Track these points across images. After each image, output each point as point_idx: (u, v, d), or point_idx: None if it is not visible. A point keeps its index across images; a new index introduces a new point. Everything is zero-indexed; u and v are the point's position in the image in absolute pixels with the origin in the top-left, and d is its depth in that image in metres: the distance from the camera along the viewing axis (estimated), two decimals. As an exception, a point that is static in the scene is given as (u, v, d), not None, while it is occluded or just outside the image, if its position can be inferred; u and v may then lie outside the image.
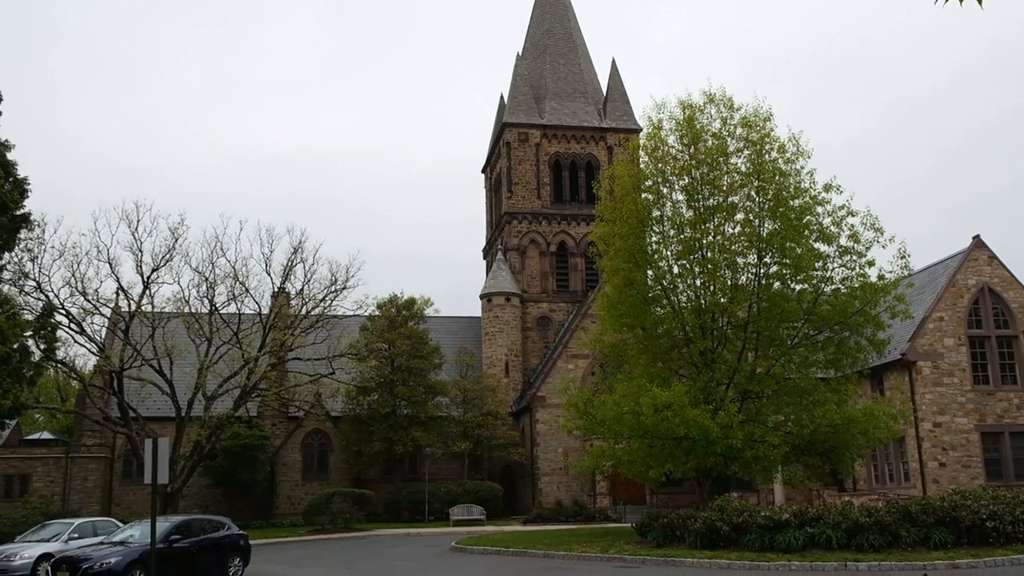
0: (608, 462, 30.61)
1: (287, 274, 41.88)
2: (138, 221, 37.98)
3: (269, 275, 41.86)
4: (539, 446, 46.34)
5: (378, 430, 44.80)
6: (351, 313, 43.91)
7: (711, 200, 29.14)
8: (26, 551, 24.03)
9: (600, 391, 31.74)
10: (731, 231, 29.22)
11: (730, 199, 29.12)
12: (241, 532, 23.10)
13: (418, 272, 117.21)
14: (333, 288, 41.88)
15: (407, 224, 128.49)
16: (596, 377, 42.47)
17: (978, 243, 38.18)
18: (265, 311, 41.46)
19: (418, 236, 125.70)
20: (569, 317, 52.86)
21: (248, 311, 41.21)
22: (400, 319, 46.95)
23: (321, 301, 42.03)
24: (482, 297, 53.25)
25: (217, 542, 21.64)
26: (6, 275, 32.46)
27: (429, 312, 48.97)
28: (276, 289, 42.35)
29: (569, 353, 47.51)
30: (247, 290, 40.77)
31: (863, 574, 18.74)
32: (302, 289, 42.19)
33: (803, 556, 20.57)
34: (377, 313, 46.71)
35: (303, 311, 42.09)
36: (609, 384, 31.67)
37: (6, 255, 29.47)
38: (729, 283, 28.86)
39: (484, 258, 62.87)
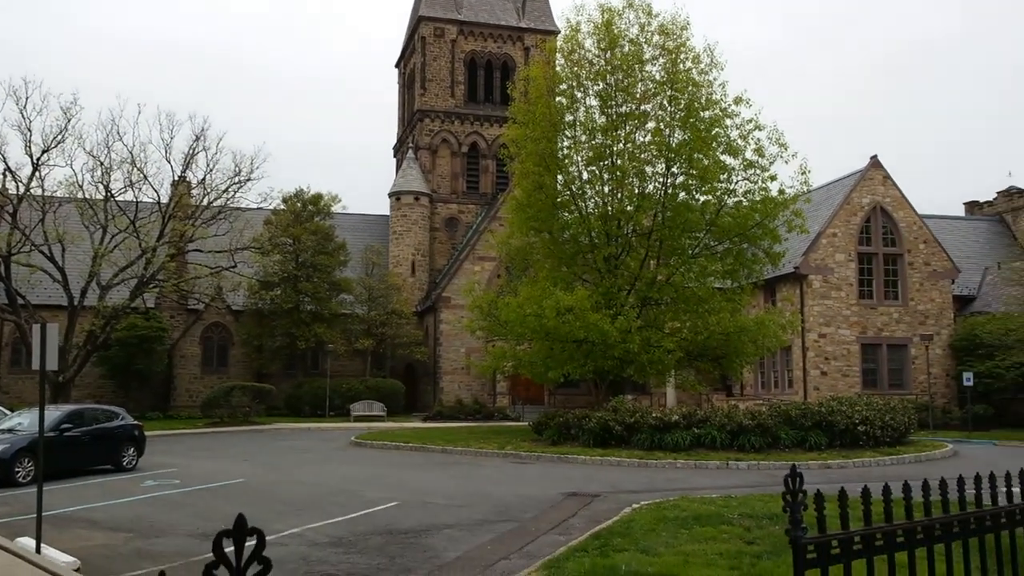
0: (509, 363, 31.20)
1: (188, 162, 40.29)
2: (27, 98, 35.77)
3: (169, 162, 40.27)
4: (442, 346, 46.82)
5: (280, 325, 44.42)
6: (255, 206, 42.82)
7: (624, 107, 29.20)
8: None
9: (505, 293, 32.08)
10: (642, 139, 29.45)
11: (643, 107, 29.24)
12: (136, 423, 22.80)
13: (327, 169, 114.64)
14: (237, 179, 40.56)
15: (317, 120, 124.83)
16: (501, 280, 42.84)
17: (875, 163, 39.53)
18: (164, 200, 39.99)
19: (329, 133, 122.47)
20: (478, 219, 52.83)
21: (147, 199, 39.64)
22: (306, 214, 46.11)
23: (224, 192, 40.71)
24: (391, 195, 52.60)
25: (110, 432, 21.34)
26: None
27: (336, 209, 48.23)
28: (176, 177, 40.78)
29: (476, 255, 47.66)
30: (145, 177, 39.16)
31: (742, 472, 19.85)
32: (204, 178, 40.76)
33: (689, 455, 21.62)
34: (282, 207, 45.70)
35: (204, 201, 40.76)
36: (514, 287, 32.03)
37: None
38: (636, 191, 29.23)
39: (394, 156, 61.85)
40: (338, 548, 11.18)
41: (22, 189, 36.53)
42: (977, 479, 4.07)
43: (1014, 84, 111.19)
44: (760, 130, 28.08)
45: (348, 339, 45.06)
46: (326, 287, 45.28)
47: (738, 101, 28.28)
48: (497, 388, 44.85)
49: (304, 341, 44.00)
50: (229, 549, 2.44)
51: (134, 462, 21.54)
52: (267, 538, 2.50)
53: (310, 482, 18.66)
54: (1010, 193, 53.71)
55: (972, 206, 57.28)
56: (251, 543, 2.44)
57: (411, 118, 56.23)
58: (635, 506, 13.50)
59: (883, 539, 3.44)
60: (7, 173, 36.61)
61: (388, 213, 53.18)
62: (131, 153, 38.85)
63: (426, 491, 16.90)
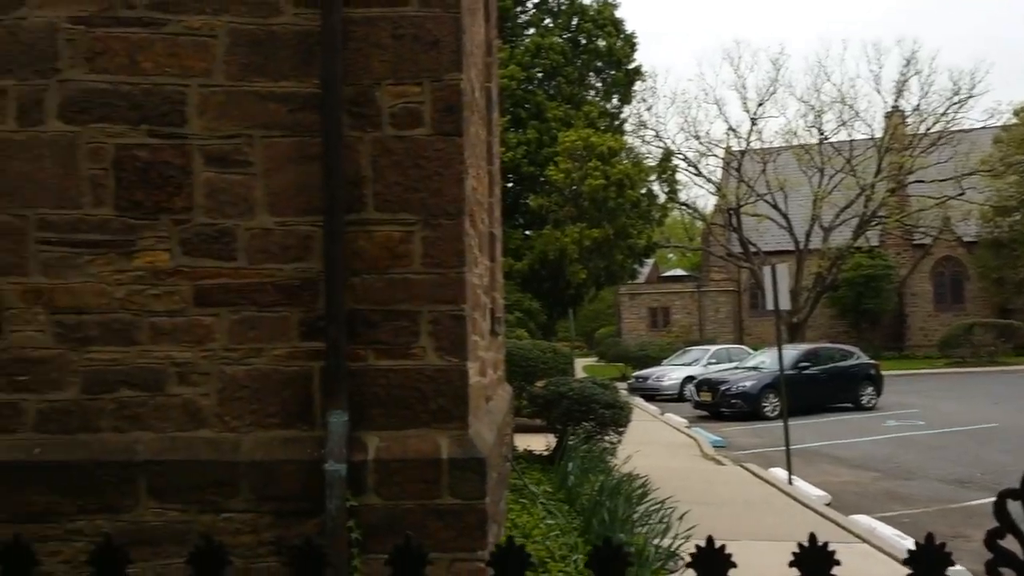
0: None
1: (900, 90, 38.70)
2: (739, 58, 38.93)
3: (879, 94, 39.50)
4: None
5: (1023, 255, 39.39)
6: (979, 125, 38.92)
7: None
8: (673, 373, 26.94)
9: None
10: None
11: None
12: (871, 362, 22.49)
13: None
14: (955, 99, 37.54)
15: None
16: None
17: None
18: (878, 134, 38.99)
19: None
20: None
21: (859, 136, 39.20)
22: None
23: (942, 115, 38.02)
24: None
25: (846, 370, 21.38)
26: (627, 127, 35.44)
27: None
28: (889, 109, 39.54)
29: None
30: (856, 113, 38.97)
31: None
32: (918, 105, 38.71)
33: None
34: (1014, 121, 40.48)
35: (921, 129, 38.57)
36: None
37: (625, 108, 32.04)
38: None
39: None
40: None
41: (743, 144, 39.23)
42: None
43: None
44: None
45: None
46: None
47: None
48: None
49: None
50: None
51: (873, 401, 21.10)
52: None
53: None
54: None
55: None
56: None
57: None
58: None
59: None
60: (729, 131, 39.76)
61: None
62: (840, 92, 38.87)
63: None
